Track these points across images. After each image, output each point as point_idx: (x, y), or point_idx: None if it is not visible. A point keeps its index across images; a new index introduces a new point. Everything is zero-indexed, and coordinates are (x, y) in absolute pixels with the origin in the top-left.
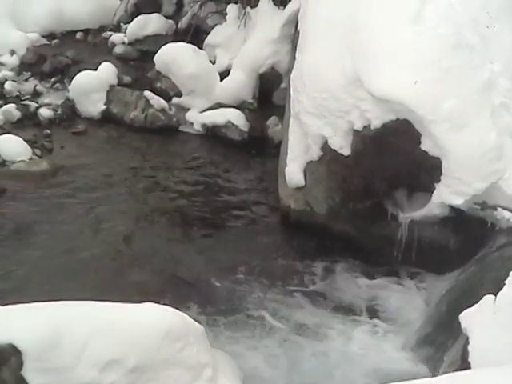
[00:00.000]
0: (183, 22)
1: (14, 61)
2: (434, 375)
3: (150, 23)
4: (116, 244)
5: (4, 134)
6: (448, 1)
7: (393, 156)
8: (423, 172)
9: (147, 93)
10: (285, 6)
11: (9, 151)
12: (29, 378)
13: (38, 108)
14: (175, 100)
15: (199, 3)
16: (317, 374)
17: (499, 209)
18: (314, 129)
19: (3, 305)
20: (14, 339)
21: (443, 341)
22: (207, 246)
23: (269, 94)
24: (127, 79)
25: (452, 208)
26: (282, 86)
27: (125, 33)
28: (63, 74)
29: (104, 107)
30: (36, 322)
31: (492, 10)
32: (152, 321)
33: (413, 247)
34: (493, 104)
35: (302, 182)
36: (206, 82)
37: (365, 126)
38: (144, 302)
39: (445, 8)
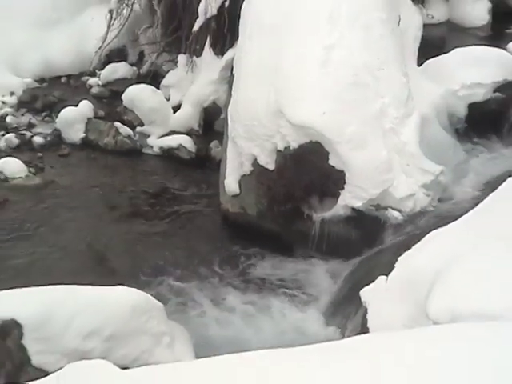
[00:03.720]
0: (144, 69)
1: (13, 100)
2: (341, 338)
3: (119, 70)
4: (92, 239)
5: (6, 156)
6: (348, 49)
7: (307, 170)
8: (331, 182)
9: (117, 123)
10: (223, 55)
11: (9, 170)
12: (27, 345)
13: (32, 136)
14: (138, 129)
15: (156, 54)
16: (244, 334)
17: (389, 209)
18: (246, 149)
19: (7, 288)
20: (15, 315)
21: (348, 311)
22: (163, 240)
23: (211, 123)
24: (101, 113)
25: (353, 209)
26: (222, 116)
27: (99, 77)
28: (51, 109)
29: (83, 135)
30: (33, 302)
31: (382, 57)
32: (122, 299)
33: (323, 240)
34: (384, 129)
35: (237, 191)
36: (163, 114)
37: (285, 147)
38: (115, 285)
39: (345, 55)
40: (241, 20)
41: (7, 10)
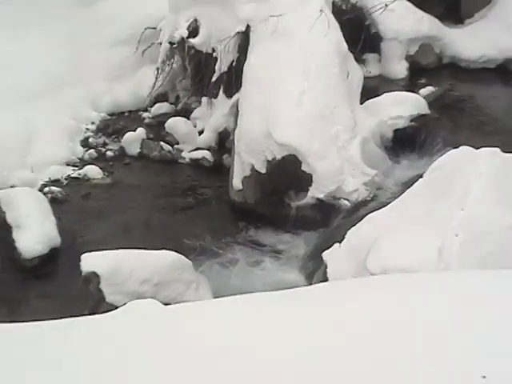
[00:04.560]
0: (179, 107)
1: (93, 127)
2: (309, 285)
3: (163, 107)
4: (145, 219)
5: (88, 164)
6: (315, 94)
7: (287, 173)
8: (303, 181)
9: (161, 142)
10: (231, 98)
11: (91, 173)
12: (103, 289)
13: (105, 151)
14: (175, 146)
15: (187, 97)
16: (244, 281)
17: (341, 199)
18: (246, 160)
19: (90, 251)
20: (95, 269)
21: (314, 266)
22: (190, 219)
23: (223, 142)
24: (151, 135)
25: (318, 199)
26: (230, 138)
27: (150, 112)
28: (118, 133)
29: (139, 150)
30: (106, 260)
31: (337, 99)
32: (164, 259)
33: (298, 219)
34: (338, 146)
35: (240, 187)
36: (191, 136)
37: (273, 158)
38: (160, 249)
39: (313, 97)
40: (243, 74)
41: (90, 67)
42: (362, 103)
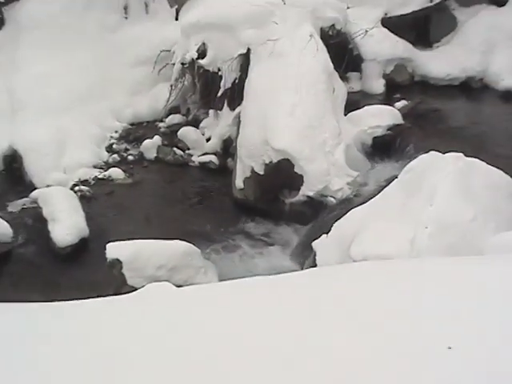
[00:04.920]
0: (190, 118)
1: (116, 135)
2: (300, 269)
3: (175, 118)
4: (161, 213)
5: (112, 167)
6: (305, 106)
7: (282, 174)
8: (295, 181)
9: (174, 148)
10: (234, 110)
11: (114, 174)
12: (125, 273)
13: (127, 156)
14: (186, 151)
15: (196, 109)
16: (244, 266)
17: (328, 197)
18: (247, 163)
19: (114, 241)
20: (118, 256)
21: (305, 254)
22: (199, 213)
23: (227, 148)
24: (165, 142)
25: (308, 196)
26: (233, 144)
27: (165, 122)
28: (138, 140)
29: (156, 155)
30: (128, 249)
31: (324, 111)
32: (178, 247)
33: (291, 214)
34: (325, 151)
35: (242, 186)
36: (200, 143)
37: (270, 162)
38: (174, 239)
39: (304, 109)
40: (244, 90)
41: (114, 83)
42: (345, 115)
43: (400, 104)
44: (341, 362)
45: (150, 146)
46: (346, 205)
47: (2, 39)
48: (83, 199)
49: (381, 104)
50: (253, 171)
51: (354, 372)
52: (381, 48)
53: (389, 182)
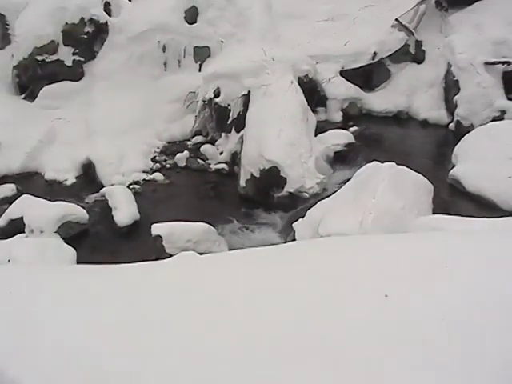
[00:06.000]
0: (208, 138)
1: (158, 150)
2: (284, 242)
3: (199, 138)
4: (188, 203)
5: (155, 172)
6: (288, 132)
7: (272, 177)
8: (281, 182)
9: (198, 159)
10: (239, 133)
11: (158, 178)
12: (164, 244)
13: (165, 164)
14: (206, 161)
15: (213, 132)
16: (245, 240)
17: (304, 192)
18: (248, 169)
19: (156, 222)
20: (159, 233)
21: (287, 232)
22: (213, 205)
23: (235, 159)
24: (192, 155)
25: (290, 192)
26: (238, 156)
27: (192, 141)
28: (173, 154)
29: (185, 163)
30: (165, 228)
31: (301, 134)
32: (200, 227)
33: (279, 205)
34: (301, 162)
35: (244, 185)
36: (216, 155)
37: (263, 168)
38: (198, 221)
39: (287, 134)
40: (246, 119)
41: (156, 115)
42: (315, 136)
43: (352, 129)
44: (301, 303)
45: (181, 157)
46: (316, 198)
47: (82, 86)
48: (135, 194)
49: (339, 129)
50: (252, 175)
51: (311, 313)
52: (339, 91)
53: (345, 182)
